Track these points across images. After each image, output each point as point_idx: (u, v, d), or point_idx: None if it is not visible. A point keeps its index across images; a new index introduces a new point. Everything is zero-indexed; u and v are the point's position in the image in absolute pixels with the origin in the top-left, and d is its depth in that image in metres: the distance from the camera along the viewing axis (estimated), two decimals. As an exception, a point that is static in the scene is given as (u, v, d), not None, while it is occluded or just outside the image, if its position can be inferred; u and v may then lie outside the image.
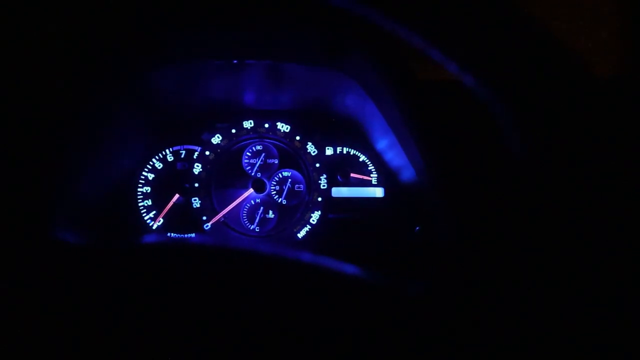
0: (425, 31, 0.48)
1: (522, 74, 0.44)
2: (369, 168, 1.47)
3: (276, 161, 1.47)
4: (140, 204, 1.42)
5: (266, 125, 1.46)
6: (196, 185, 1.42)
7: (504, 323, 0.52)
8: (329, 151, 1.47)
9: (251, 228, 1.43)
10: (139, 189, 1.42)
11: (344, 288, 0.54)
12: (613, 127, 0.48)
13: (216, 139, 1.44)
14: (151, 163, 1.44)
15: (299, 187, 1.46)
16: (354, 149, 1.48)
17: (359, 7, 0.50)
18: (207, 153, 1.44)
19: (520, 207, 0.71)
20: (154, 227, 1.41)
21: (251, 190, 1.43)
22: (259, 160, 1.46)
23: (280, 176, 1.46)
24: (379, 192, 1.45)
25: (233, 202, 1.42)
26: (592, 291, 0.50)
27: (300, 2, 1.02)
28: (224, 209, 1.42)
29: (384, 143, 1.36)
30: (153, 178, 1.44)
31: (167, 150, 1.45)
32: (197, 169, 1.43)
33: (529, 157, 0.46)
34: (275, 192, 1.45)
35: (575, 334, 0.49)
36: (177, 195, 1.42)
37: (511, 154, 0.47)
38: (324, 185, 1.44)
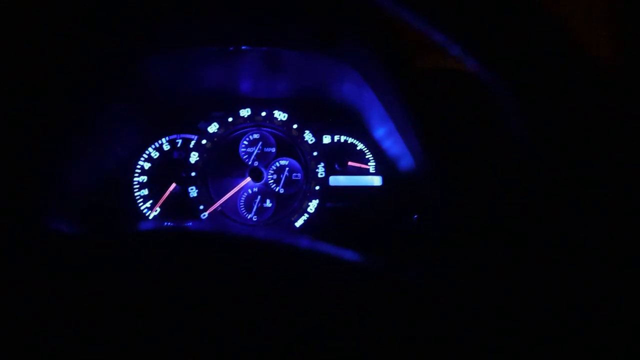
0: (429, 13, 0.47)
1: (528, 60, 0.43)
2: (367, 156, 1.46)
3: (273, 150, 1.45)
4: (136, 194, 1.41)
5: (263, 114, 1.44)
6: (193, 174, 1.41)
7: (498, 310, 0.52)
8: (326, 139, 1.46)
9: (248, 217, 1.43)
10: (135, 179, 1.41)
11: (340, 274, 0.54)
12: (622, 117, 0.47)
13: (213, 128, 1.43)
14: (147, 152, 1.43)
15: (296, 176, 1.45)
16: (352, 137, 1.47)
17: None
18: (204, 142, 1.42)
19: (518, 197, 0.70)
20: (151, 217, 1.40)
21: (248, 179, 1.42)
22: (256, 148, 1.45)
23: (278, 165, 1.45)
24: (377, 180, 1.45)
25: (230, 191, 1.41)
26: (585, 278, 0.49)
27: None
28: (221, 198, 1.41)
29: (382, 131, 1.35)
30: (149, 167, 1.42)
31: (163, 139, 1.44)
32: (194, 157, 1.42)
33: (535, 145, 0.45)
34: (272, 180, 1.44)
35: (569, 322, 0.48)
36: (173, 185, 1.41)
37: (513, 142, 0.46)
38: (321, 174, 1.43)
